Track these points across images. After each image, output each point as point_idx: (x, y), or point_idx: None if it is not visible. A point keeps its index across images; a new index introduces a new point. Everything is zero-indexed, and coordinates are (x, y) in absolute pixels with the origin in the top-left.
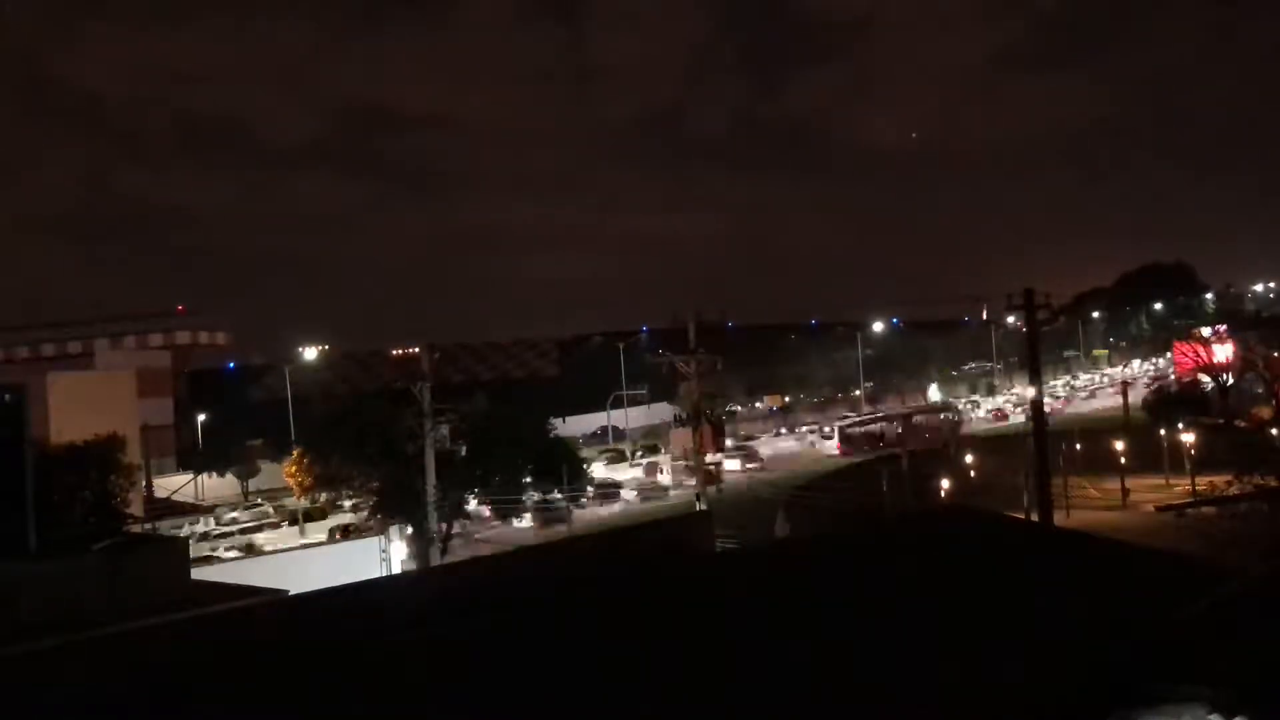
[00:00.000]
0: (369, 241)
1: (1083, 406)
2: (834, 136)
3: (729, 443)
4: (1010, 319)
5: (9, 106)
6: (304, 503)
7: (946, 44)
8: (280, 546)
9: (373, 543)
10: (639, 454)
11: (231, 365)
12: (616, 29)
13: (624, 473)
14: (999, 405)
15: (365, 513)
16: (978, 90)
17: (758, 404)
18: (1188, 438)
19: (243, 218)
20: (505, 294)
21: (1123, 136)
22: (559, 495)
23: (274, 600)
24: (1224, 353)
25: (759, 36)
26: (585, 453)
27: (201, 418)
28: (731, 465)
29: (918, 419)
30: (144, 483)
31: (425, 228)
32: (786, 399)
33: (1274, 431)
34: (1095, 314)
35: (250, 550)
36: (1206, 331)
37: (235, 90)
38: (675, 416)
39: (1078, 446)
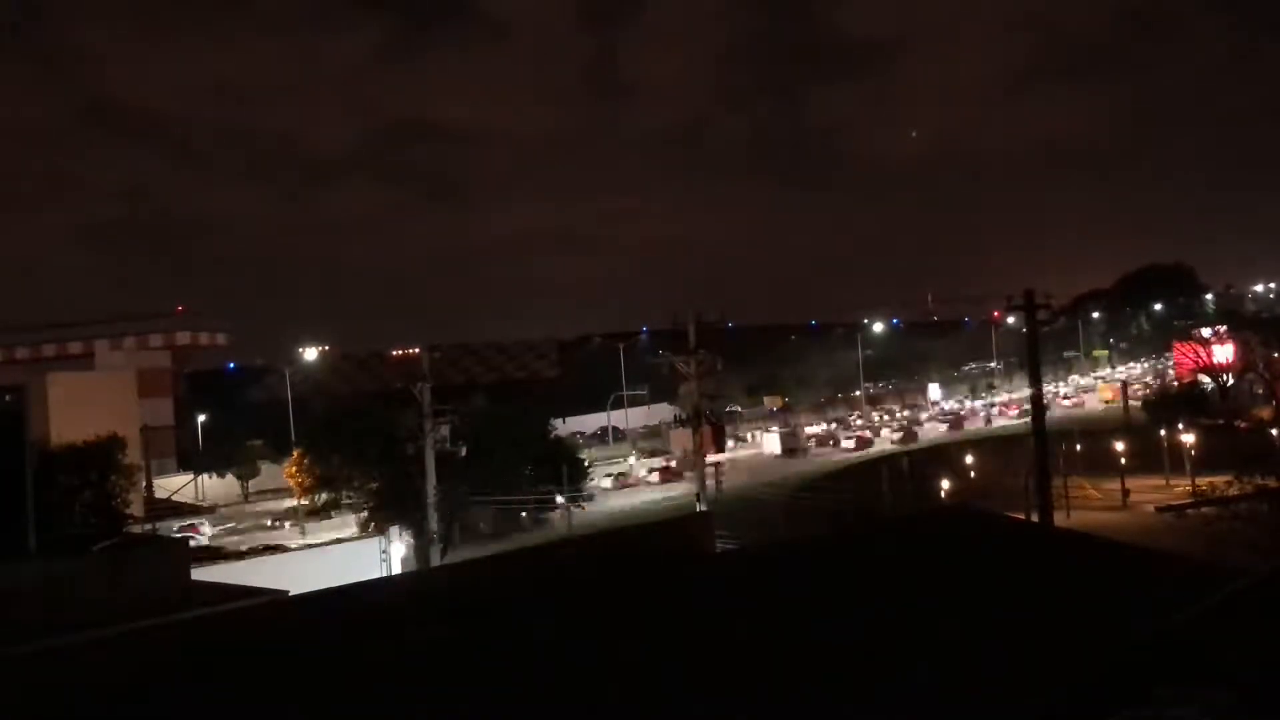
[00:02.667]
0: (393, 246)
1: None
2: (848, 147)
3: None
4: (1010, 319)
5: (63, 121)
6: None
7: (964, 61)
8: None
9: (373, 543)
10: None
11: (232, 366)
12: (651, 48)
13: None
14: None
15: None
16: (989, 104)
17: (769, 403)
18: (1188, 438)
19: (275, 224)
20: (518, 296)
21: (1126, 142)
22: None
23: (274, 600)
24: (1224, 353)
25: (786, 55)
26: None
27: (201, 418)
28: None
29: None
30: (144, 483)
31: (448, 232)
32: (786, 399)
33: (1274, 432)
34: (1095, 314)
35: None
36: (1206, 332)
37: (283, 105)
38: (675, 417)
39: (1078, 447)
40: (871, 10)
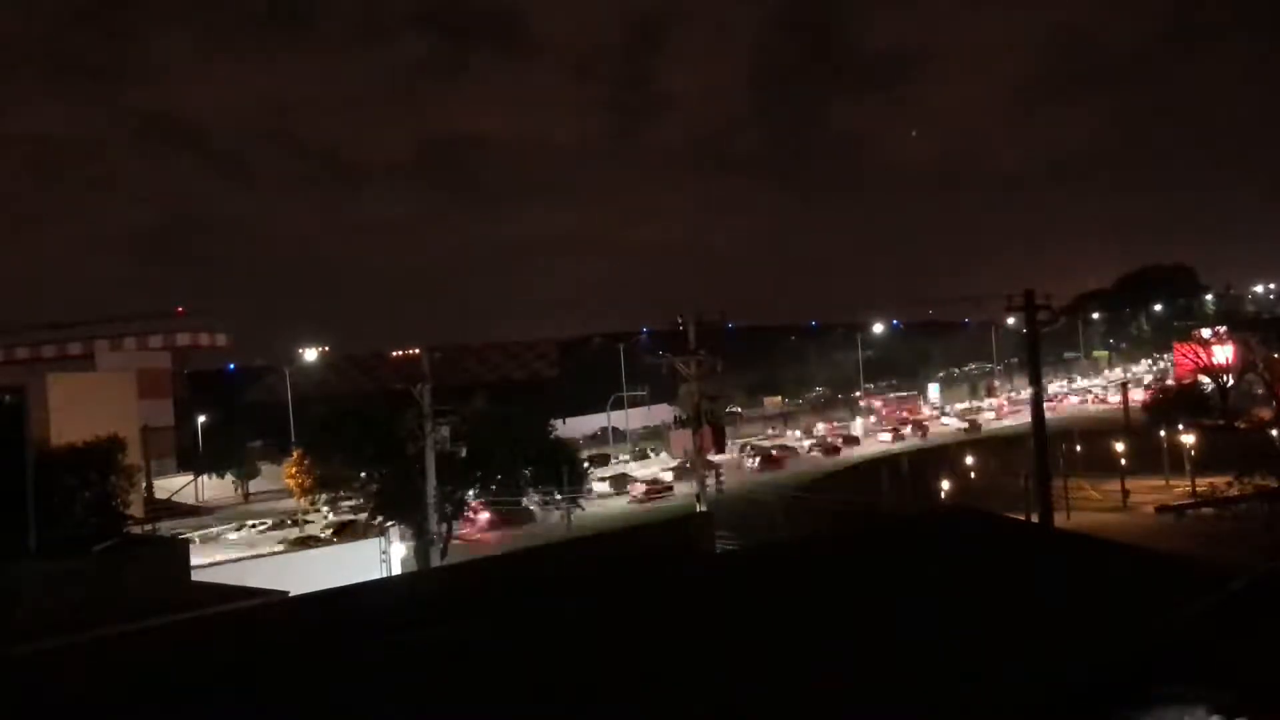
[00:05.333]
0: (416, 249)
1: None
2: (861, 155)
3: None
4: (1010, 320)
5: (115, 130)
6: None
7: (979, 74)
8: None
9: (373, 543)
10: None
11: (231, 366)
12: (680, 65)
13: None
14: None
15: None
16: (1001, 114)
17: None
18: (1188, 439)
19: (308, 230)
20: (529, 297)
21: (1129, 145)
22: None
23: (274, 601)
24: (1224, 354)
25: (809, 70)
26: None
27: (201, 419)
28: None
29: None
30: (144, 484)
31: (470, 236)
32: (785, 400)
33: (1274, 433)
34: (1095, 315)
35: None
36: (1206, 333)
37: (327, 116)
38: (675, 418)
39: (1078, 448)
40: (892, 25)
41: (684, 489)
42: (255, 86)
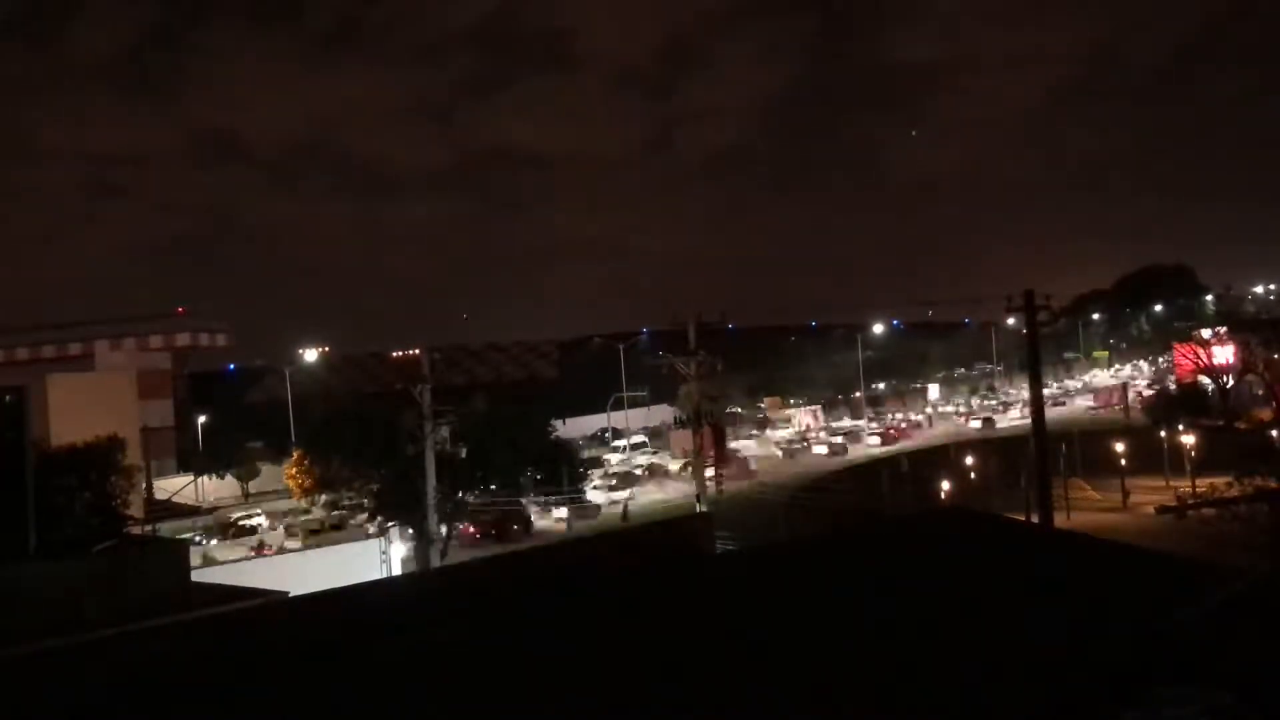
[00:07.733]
0: (437, 255)
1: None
2: (873, 163)
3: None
4: (1010, 320)
5: (165, 144)
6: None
7: (997, 90)
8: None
9: (373, 544)
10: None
11: (231, 366)
12: (710, 79)
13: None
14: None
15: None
16: (1012, 126)
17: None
18: (1188, 439)
19: (335, 236)
20: (537, 301)
21: (1132, 150)
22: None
23: (274, 602)
24: (1224, 355)
25: (833, 83)
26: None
27: (202, 419)
28: None
29: None
30: (144, 484)
31: (491, 242)
32: (791, 401)
33: (1274, 433)
34: (1095, 316)
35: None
36: (1206, 333)
37: (369, 129)
38: (675, 418)
39: (1077, 448)
40: (912, 41)
41: (684, 488)
42: (305, 101)
